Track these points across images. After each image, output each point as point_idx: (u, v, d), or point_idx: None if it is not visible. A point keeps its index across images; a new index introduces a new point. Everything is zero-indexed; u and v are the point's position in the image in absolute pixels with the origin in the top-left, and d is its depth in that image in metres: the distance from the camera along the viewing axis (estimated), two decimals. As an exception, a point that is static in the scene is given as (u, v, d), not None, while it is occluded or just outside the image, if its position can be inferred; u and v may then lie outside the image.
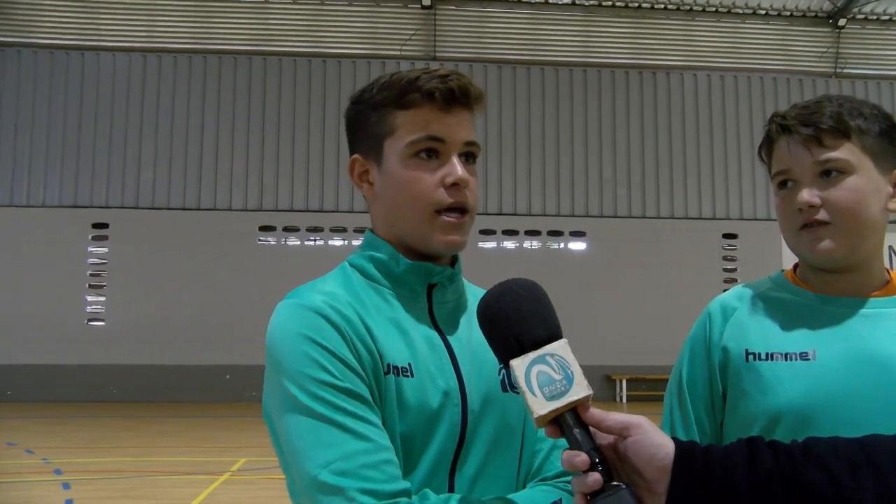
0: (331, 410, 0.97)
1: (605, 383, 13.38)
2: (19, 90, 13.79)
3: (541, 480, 1.12)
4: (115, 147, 13.81)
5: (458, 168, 1.08)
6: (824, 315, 1.18)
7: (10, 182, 13.65)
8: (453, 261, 1.16)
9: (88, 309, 13.47)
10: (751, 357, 1.19)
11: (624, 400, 13.36)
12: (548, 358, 0.87)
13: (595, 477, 0.81)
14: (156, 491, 6.28)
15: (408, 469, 1.02)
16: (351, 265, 1.14)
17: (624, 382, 13.43)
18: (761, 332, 1.20)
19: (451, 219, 1.08)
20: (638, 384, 13.60)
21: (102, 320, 13.45)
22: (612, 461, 0.85)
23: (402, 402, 1.02)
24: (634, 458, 0.84)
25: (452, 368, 1.07)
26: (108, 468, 7.14)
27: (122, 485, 6.48)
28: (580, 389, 0.85)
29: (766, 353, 1.18)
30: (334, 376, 0.98)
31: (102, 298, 13.50)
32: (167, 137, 13.91)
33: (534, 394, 0.85)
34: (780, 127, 1.20)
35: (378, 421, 0.99)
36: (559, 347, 0.88)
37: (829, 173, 1.15)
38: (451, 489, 1.04)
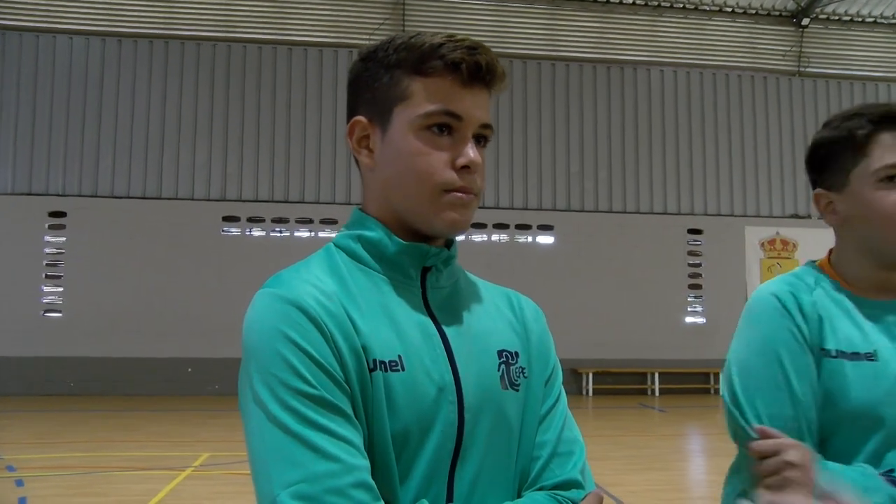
0: (300, 424, 0.89)
1: (571, 377, 13.46)
2: (-29, 73, 13.32)
3: (539, 489, 1.04)
4: (73, 133, 13.42)
5: (470, 150, 1.00)
6: (882, 318, 1.22)
7: (-38, 168, 13.20)
8: (449, 243, 1.08)
9: (45, 300, 13.10)
10: (823, 353, 1.21)
11: (590, 393, 13.47)
12: None
13: None
14: (113, 487, 6.11)
15: (403, 472, 0.94)
16: (337, 246, 1.05)
17: (590, 376, 13.53)
18: (830, 330, 1.22)
19: (459, 193, 1.00)
20: (604, 378, 13.72)
21: (59, 311, 13.09)
22: None
23: (391, 398, 0.94)
24: None
25: (447, 361, 0.99)
26: (64, 464, 6.94)
27: (78, 481, 6.30)
28: None
29: (837, 351, 1.20)
30: (309, 383, 0.90)
31: (60, 289, 13.13)
32: (127, 124, 13.56)
33: None
34: None
35: (354, 436, 0.91)
36: None
37: None
38: (451, 493, 0.97)
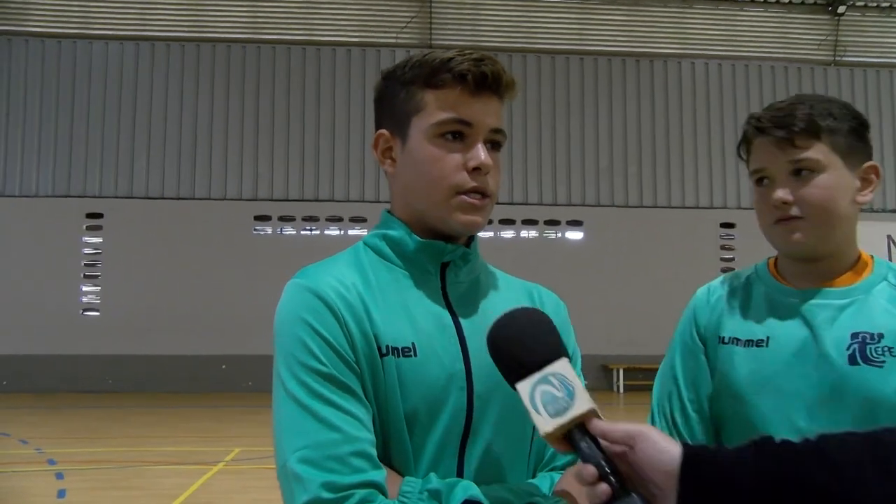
0: (309, 397, 0.99)
1: (601, 373, 13.38)
2: (10, 79, 13.68)
3: (550, 469, 1.13)
4: (109, 136, 13.71)
5: (481, 153, 1.08)
6: (784, 306, 1.30)
7: (3, 172, 13.56)
8: (468, 241, 1.16)
9: (83, 299, 13.42)
10: (720, 340, 1.34)
11: (621, 389, 13.36)
12: (550, 377, 0.89)
13: (602, 488, 0.82)
14: (148, 481, 6.25)
15: (415, 449, 1.04)
16: (365, 244, 1.15)
17: (621, 372, 13.42)
18: (731, 319, 1.34)
19: (472, 199, 1.08)
20: (634, 373, 13.59)
21: (97, 310, 13.39)
22: (626, 473, 0.86)
23: (403, 381, 1.03)
24: (642, 467, 0.85)
25: (460, 350, 1.07)
26: (102, 458, 7.12)
27: (115, 475, 6.45)
28: (582, 404, 0.87)
29: (730, 338, 1.32)
30: (321, 362, 1.00)
31: (97, 288, 13.44)
32: (161, 126, 13.81)
33: (539, 413, 0.88)
34: (755, 129, 1.30)
35: (360, 411, 1.00)
36: (560, 366, 0.90)
37: (801, 172, 1.25)
38: (461, 472, 1.05)
